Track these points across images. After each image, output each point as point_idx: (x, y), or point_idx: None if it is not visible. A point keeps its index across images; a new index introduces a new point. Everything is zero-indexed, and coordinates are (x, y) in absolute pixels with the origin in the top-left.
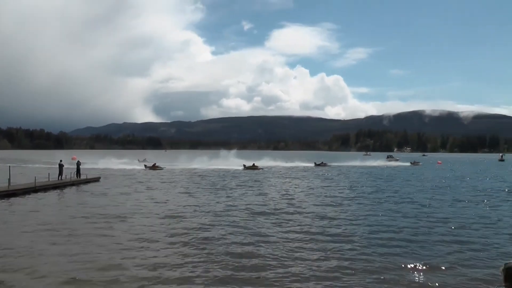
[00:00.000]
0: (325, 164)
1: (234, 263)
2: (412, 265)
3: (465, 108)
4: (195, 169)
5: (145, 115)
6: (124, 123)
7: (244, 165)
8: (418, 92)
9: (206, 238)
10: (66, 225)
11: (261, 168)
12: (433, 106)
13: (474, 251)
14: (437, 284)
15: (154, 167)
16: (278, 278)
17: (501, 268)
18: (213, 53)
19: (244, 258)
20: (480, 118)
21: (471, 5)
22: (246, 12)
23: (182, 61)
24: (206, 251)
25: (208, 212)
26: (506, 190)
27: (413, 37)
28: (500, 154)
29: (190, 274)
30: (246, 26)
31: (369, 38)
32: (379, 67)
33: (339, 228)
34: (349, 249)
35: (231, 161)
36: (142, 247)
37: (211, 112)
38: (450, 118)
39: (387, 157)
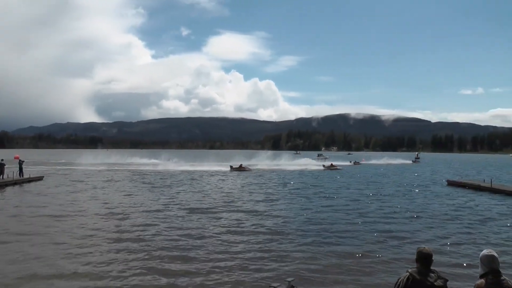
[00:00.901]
0: (358, 163)
1: (172, 263)
2: (343, 255)
3: (386, 112)
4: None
5: (87, 115)
6: (68, 123)
7: (354, 162)
8: (344, 97)
9: (145, 238)
10: (3, 227)
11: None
12: (357, 110)
13: (396, 239)
14: (366, 270)
15: (240, 168)
16: (214, 276)
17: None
18: (153, 56)
19: (181, 259)
20: (399, 121)
21: (392, 18)
22: (184, 18)
23: (123, 64)
24: (144, 252)
25: (149, 210)
26: (418, 184)
27: (339, 47)
28: (416, 153)
29: (127, 275)
30: (185, 32)
31: (299, 47)
32: (308, 73)
33: (273, 223)
34: (283, 242)
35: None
36: (80, 249)
37: (151, 113)
38: (373, 121)
39: (318, 155)
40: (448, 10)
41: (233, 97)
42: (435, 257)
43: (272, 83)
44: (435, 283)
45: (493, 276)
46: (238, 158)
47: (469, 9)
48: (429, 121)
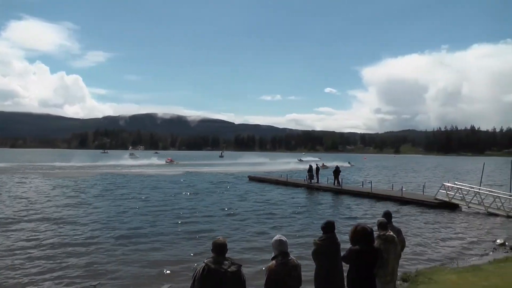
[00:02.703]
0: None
1: None
2: (153, 258)
3: (192, 113)
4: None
5: None
6: None
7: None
8: (151, 97)
9: None
10: None
11: None
12: (164, 110)
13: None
14: (179, 271)
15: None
16: None
17: None
18: None
19: None
20: (204, 122)
21: (202, 25)
22: None
23: None
24: None
25: None
26: (223, 181)
27: (148, 47)
28: (220, 152)
29: None
30: None
31: (109, 43)
32: (116, 71)
33: (77, 233)
34: (91, 248)
35: None
36: None
37: None
38: (180, 121)
39: (130, 155)
40: (253, 24)
41: (37, 91)
42: (242, 248)
43: (79, 78)
44: (229, 269)
45: (282, 257)
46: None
47: (270, 27)
48: (233, 123)
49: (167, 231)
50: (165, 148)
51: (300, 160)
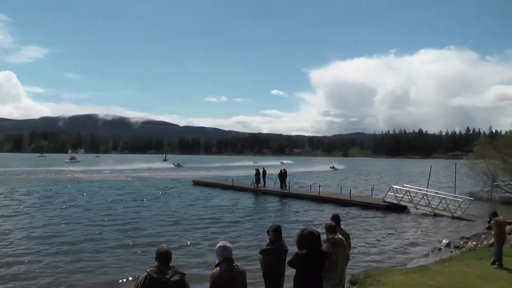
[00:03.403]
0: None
1: None
2: (103, 271)
3: (135, 114)
4: None
5: None
6: None
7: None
8: (92, 97)
9: None
10: None
11: None
12: (106, 111)
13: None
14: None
15: None
16: None
17: None
18: None
19: None
20: (148, 123)
21: (141, 27)
22: None
23: None
24: None
25: None
26: (167, 186)
27: (88, 44)
28: (164, 155)
29: None
30: None
31: (46, 38)
32: (55, 68)
33: (13, 248)
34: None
35: None
36: None
37: None
38: (122, 123)
39: (70, 159)
40: (198, 23)
41: None
42: (192, 257)
43: (13, 75)
44: (172, 279)
45: (226, 264)
46: None
47: (216, 27)
48: (177, 125)
49: (112, 244)
50: (107, 151)
51: (282, 163)
